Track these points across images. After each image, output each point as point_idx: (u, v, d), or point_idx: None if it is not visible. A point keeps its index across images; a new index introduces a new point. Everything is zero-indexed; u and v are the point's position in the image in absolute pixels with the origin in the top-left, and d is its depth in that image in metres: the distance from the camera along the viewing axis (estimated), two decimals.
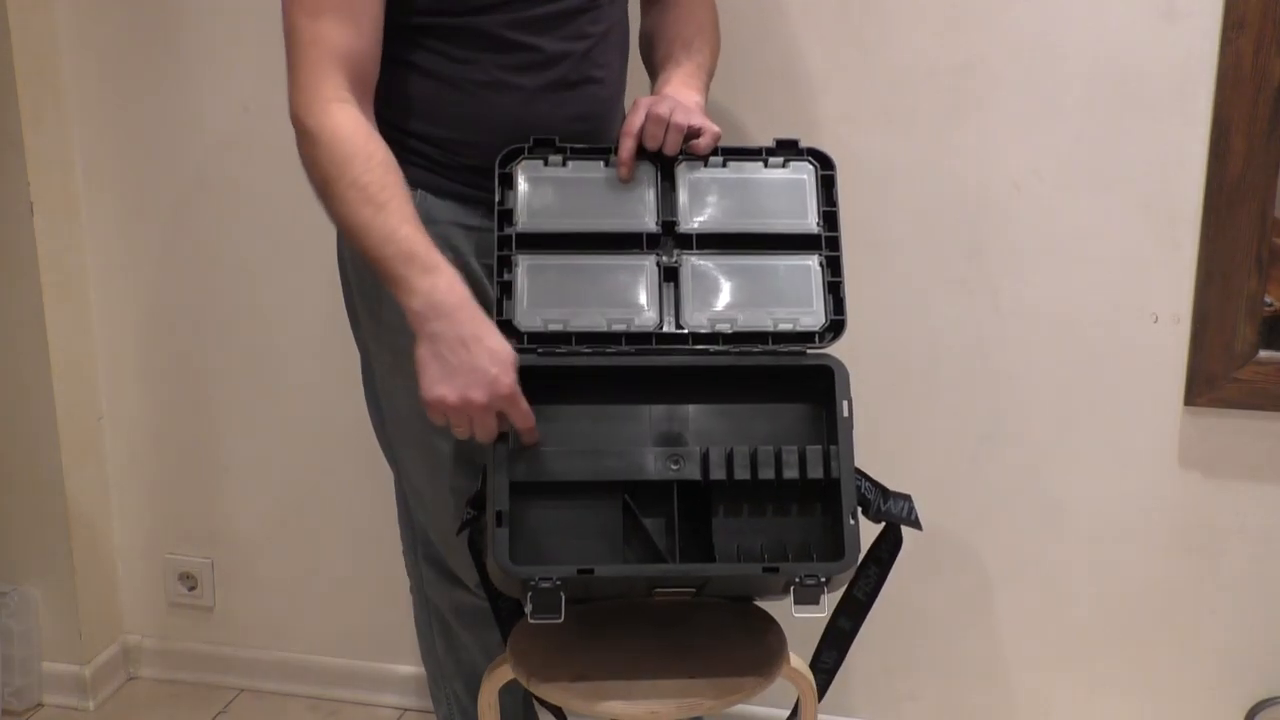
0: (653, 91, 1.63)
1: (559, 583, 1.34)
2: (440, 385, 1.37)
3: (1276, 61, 1.72)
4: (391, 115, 1.54)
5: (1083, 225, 1.85)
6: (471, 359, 1.37)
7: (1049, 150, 1.84)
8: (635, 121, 1.51)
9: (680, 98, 1.56)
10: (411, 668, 2.27)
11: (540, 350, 1.45)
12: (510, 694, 1.60)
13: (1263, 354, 1.83)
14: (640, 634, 1.51)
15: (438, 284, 1.39)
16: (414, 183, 1.55)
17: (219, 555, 2.33)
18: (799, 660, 1.52)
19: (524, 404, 1.38)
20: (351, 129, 1.43)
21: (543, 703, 1.52)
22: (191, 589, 2.35)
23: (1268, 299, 1.81)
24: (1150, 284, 1.85)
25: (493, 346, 1.38)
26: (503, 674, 1.50)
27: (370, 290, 1.60)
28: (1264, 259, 1.79)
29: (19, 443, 2.22)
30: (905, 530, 1.51)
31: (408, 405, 1.62)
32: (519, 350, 1.44)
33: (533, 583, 1.34)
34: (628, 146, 1.51)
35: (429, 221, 1.54)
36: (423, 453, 1.64)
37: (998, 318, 1.92)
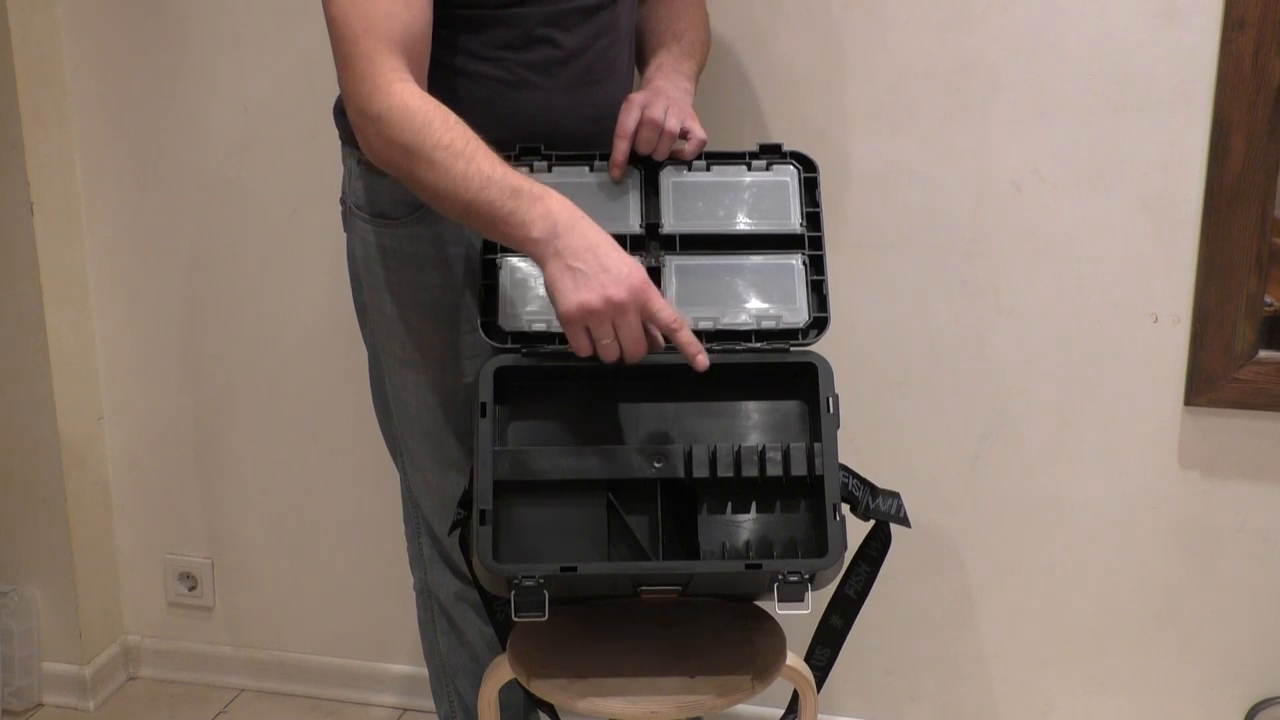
0: (642, 77, 1.64)
1: (542, 581, 1.34)
2: (578, 293, 1.35)
3: (1276, 61, 1.73)
4: None
5: (1083, 225, 1.85)
6: (602, 260, 1.35)
7: (1049, 150, 1.84)
8: (629, 123, 1.52)
9: (671, 88, 1.57)
10: (411, 667, 2.27)
11: (524, 350, 1.46)
12: (513, 692, 1.61)
13: (1263, 354, 1.83)
14: (640, 634, 1.51)
15: (551, 206, 1.38)
16: None
17: (219, 555, 2.34)
18: (797, 659, 1.53)
19: (661, 298, 1.37)
20: (420, 99, 1.40)
21: (538, 702, 1.52)
22: (191, 589, 2.35)
23: (1268, 299, 1.81)
24: (1150, 284, 1.86)
25: (616, 247, 1.37)
26: (503, 673, 1.50)
27: (379, 286, 1.60)
28: (1264, 259, 1.79)
29: (19, 443, 2.23)
30: (903, 529, 1.51)
31: (417, 398, 1.63)
32: (503, 351, 1.45)
33: (516, 580, 1.34)
34: (621, 149, 1.52)
35: (440, 217, 1.55)
36: (432, 445, 1.64)
37: (998, 318, 1.92)
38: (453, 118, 1.41)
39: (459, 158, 1.38)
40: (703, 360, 1.39)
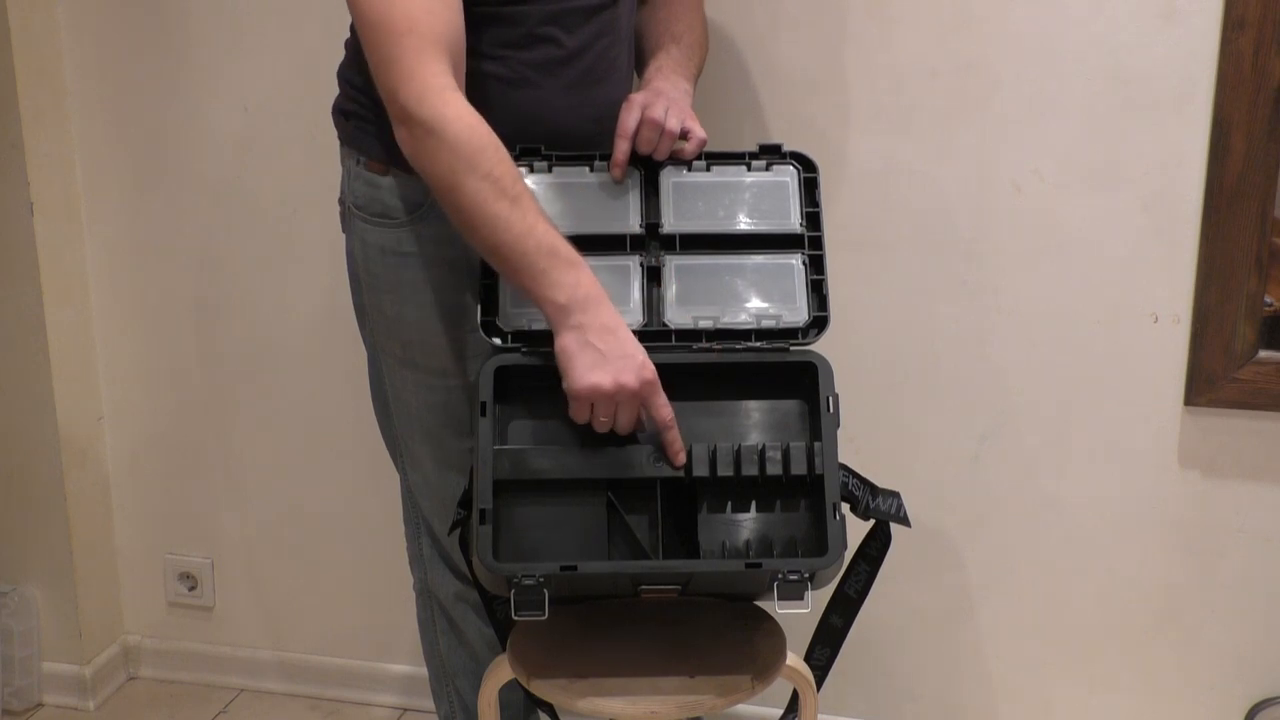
0: (640, 78, 1.64)
1: (542, 580, 1.35)
2: (594, 373, 1.38)
3: (1276, 61, 1.73)
4: None
5: (1083, 225, 1.85)
6: (620, 345, 1.39)
7: (1049, 150, 1.84)
8: (630, 122, 1.52)
9: (671, 89, 1.57)
10: (411, 667, 2.27)
11: (525, 349, 1.46)
12: (513, 692, 1.61)
13: (1263, 354, 1.83)
14: (640, 634, 1.51)
15: (581, 279, 1.40)
16: None
17: (219, 555, 2.34)
18: (797, 659, 1.53)
19: (664, 395, 1.41)
20: (474, 119, 1.40)
21: (538, 702, 1.52)
22: (191, 589, 2.35)
23: (1268, 299, 1.81)
24: (1150, 284, 1.86)
25: (631, 335, 1.41)
26: (503, 673, 1.50)
27: (379, 286, 1.60)
28: (1264, 259, 1.79)
29: (19, 443, 2.22)
30: (903, 529, 1.51)
31: (417, 398, 1.63)
32: (503, 350, 1.46)
33: (516, 580, 1.34)
34: (622, 149, 1.53)
35: (439, 218, 1.55)
36: (432, 445, 1.65)
37: (998, 318, 1.92)
38: (503, 148, 1.41)
39: (503, 197, 1.39)
40: (681, 459, 1.42)
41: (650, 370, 1.39)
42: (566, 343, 1.39)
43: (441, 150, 1.39)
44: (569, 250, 1.40)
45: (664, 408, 1.41)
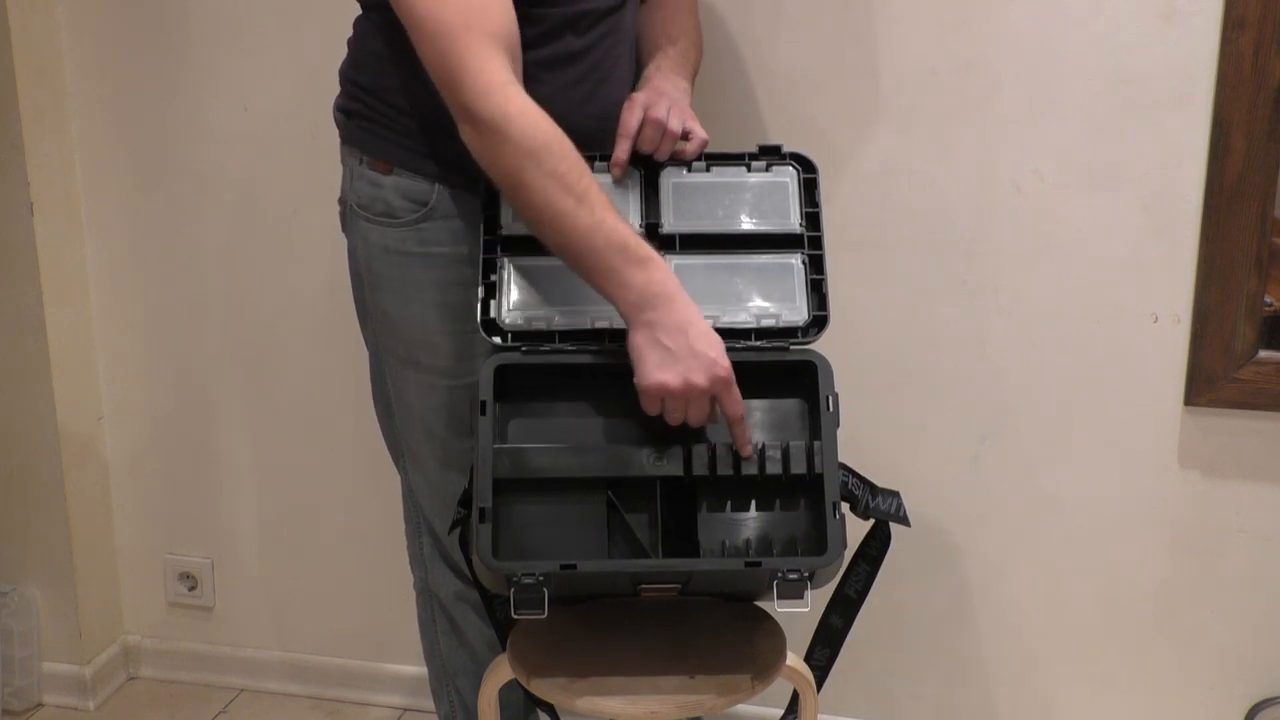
0: (639, 79, 1.64)
1: (542, 578, 1.35)
2: (662, 371, 1.38)
3: (1276, 61, 1.73)
4: (417, 106, 1.54)
5: (1083, 225, 1.86)
6: (690, 344, 1.38)
7: (1049, 150, 1.84)
8: (631, 122, 1.52)
9: (671, 88, 1.58)
10: (411, 668, 2.27)
11: (524, 349, 1.46)
12: (513, 692, 1.61)
13: (1263, 354, 1.83)
14: (640, 633, 1.51)
15: (652, 276, 1.39)
16: (432, 176, 1.55)
17: (219, 555, 2.34)
18: (797, 659, 1.53)
19: (737, 390, 1.40)
20: (536, 114, 1.40)
21: (538, 701, 1.52)
22: (191, 589, 2.35)
23: (1268, 299, 1.81)
24: (1150, 284, 1.86)
25: (707, 331, 1.40)
26: (503, 672, 1.50)
27: (382, 286, 1.60)
28: (1264, 259, 1.79)
29: (19, 443, 2.23)
30: (903, 529, 1.51)
31: (420, 398, 1.63)
32: (503, 349, 1.46)
33: (516, 578, 1.35)
34: (624, 148, 1.53)
35: (443, 217, 1.55)
36: (434, 445, 1.65)
37: (998, 318, 1.92)
38: (568, 143, 1.40)
39: (569, 194, 1.39)
40: (748, 451, 1.43)
41: (722, 368, 1.39)
42: (638, 340, 1.40)
43: (506, 148, 1.39)
44: (640, 245, 1.40)
45: (736, 404, 1.41)
